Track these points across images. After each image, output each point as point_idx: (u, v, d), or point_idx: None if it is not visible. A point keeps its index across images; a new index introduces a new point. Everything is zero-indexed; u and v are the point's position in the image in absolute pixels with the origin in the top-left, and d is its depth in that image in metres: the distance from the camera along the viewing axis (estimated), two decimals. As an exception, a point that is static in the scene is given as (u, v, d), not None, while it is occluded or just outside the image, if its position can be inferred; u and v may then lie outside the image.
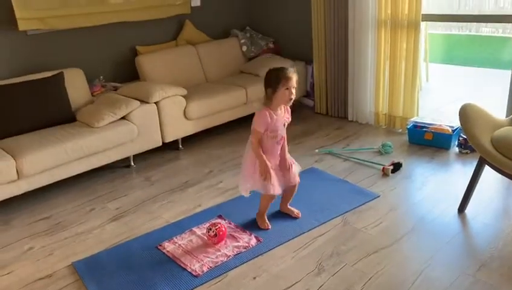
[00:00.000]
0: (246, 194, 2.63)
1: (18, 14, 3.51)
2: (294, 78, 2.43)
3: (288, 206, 2.82)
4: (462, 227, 2.60)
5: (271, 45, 5.01)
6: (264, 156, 2.51)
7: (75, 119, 3.58)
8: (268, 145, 2.53)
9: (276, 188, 2.56)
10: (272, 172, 2.53)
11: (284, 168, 2.62)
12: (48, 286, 2.32)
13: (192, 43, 4.66)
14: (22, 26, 3.57)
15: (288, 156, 2.66)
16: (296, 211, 2.80)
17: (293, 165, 2.67)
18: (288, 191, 2.75)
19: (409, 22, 3.74)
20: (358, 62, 4.15)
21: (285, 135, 2.59)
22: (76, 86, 3.75)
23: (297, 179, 2.69)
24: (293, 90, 2.43)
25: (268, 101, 2.46)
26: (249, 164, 2.58)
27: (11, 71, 3.66)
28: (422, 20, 3.72)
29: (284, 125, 2.55)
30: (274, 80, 2.42)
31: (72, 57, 4.01)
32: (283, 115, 2.53)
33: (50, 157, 3.08)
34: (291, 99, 2.45)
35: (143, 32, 4.45)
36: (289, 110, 2.59)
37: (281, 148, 2.60)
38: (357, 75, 4.20)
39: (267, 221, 2.71)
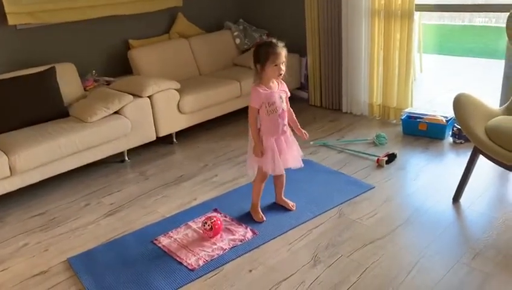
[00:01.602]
0: (252, 174, 2.66)
1: (7, 8, 3.47)
2: (283, 54, 2.39)
3: (283, 198, 2.81)
4: (456, 217, 2.61)
5: (264, 37, 4.97)
6: (259, 136, 2.51)
7: (68, 114, 3.55)
8: (271, 122, 2.49)
9: (276, 168, 2.54)
10: (273, 152, 2.51)
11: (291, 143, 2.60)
12: (43, 282, 2.32)
13: (184, 36, 4.63)
14: (11, 20, 3.53)
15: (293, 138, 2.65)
16: (291, 203, 2.80)
17: (297, 149, 2.65)
18: (277, 181, 2.75)
19: (402, 12, 3.73)
20: (352, 53, 4.14)
21: (286, 109, 2.54)
22: (68, 80, 3.71)
23: (300, 163, 2.65)
24: (282, 66, 2.40)
25: (258, 77, 2.45)
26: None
27: (1, 66, 3.62)
28: (415, 10, 3.71)
29: (281, 97, 2.51)
30: (263, 56, 2.38)
31: (63, 52, 3.97)
32: (277, 88, 2.50)
33: (43, 153, 3.06)
34: (280, 74, 2.43)
35: (135, 25, 4.41)
36: (284, 83, 2.55)
37: (289, 121, 2.58)
38: (351, 66, 4.19)
39: (261, 213, 2.71)
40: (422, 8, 3.92)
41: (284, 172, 2.70)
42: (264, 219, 2.69)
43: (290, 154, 2.61)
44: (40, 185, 3.26)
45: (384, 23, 3.89)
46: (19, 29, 3.70)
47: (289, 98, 2.62)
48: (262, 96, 2.44)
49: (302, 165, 2.67)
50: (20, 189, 3.08)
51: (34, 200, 3.18)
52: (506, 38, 2.83)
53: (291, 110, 2.64)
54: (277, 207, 2.81)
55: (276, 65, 2.38)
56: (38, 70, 3.53)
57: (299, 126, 2.69)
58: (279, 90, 2.51)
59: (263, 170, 2.58)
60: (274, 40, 2.43)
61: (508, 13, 2.77)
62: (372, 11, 3.93)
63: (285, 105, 2.54)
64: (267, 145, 2.52)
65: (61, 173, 3.27)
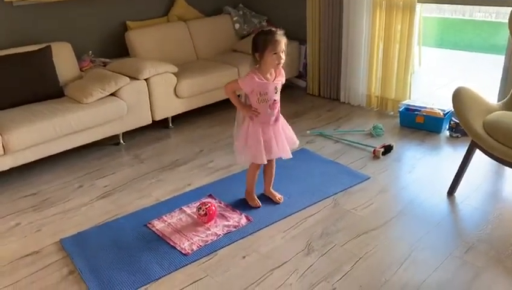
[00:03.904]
0: (241, 163, 2.59)
1: (3, -16, 3.40)
2: (283, 42, 2.30)
3: (271, 190, 2.76)
4: (451, 210, 2.61)
5: (264, 24, 4.92)
6: (238, 99, 2.47)
7: (63, 94, 3.50)
8: (261, 110, 2.43)
9: (258, 157, 2.49)
10: (257, 141, 2.46)
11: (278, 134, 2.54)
12: (35, 262, 2.30)
13: (183, 19, 4.56)
14: (7, -4, 3.46)
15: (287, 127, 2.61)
16: (278, 195, 2.74)
17: (287, 140, 2.59)
18: (266, 172, 2.70)
19: (404, 4, 3.70)
20: (352, 43, 4.11)
21: (278, 99, 2.48)
22: (64, 60, 3.65)
23: (289, 154, 2.59)
24: (282, 55, 2.32)
25: (256, 65, 2.38)
26: (240, 136, 2.52)
27: (-4, 43, 3.56)
28: (418, 2, 3.68)
29: (276, 88, 2.43)
30: (261, 44, 2.30)
31: (60, 31, 3.91)
32: (273, 79, 2.42)
33: (37, 133, 3.02)
34: (280, 63, 2.35)
35: (134, 7, 4.34)
36: (282, 71, 2.47)
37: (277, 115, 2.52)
38: (351, 56, 4.16)
39: (256, 199, 2.70)
40: (424, -1, 3.89)
41: (274, 165, 2.67)
42: (260, 204, 2.68)
43: (277, 145, 2.53)
44: (32, 166, 3.23)
45: (386, 15, 3.86)
46: (16, 6, 3.63)
47: (287, 86, 2.55)
48: (255, 85, 2.37)
49: (291, 156, 2.60)
50: (12, 169, 3.05)
51: (26, 180, 3.15)
52: (509, 33, 2.82)
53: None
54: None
55: (275, 53, 2.30)
56: (34, 48, 3.47)
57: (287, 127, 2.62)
58: (276, 81, 2.43)
59: (255, 162, 2.54)
60: (273, 28, 2.36)
61: (511, 8, 2.75)
62: (374, 2, 3.89)
63: (278, 96, 2.47)
64: (252, 132, 2.47)
65: (55, 154, 3.24)
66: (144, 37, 4.16)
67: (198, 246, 2.35)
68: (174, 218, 2.61)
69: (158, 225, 2.54)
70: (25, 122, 3.00)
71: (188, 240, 2.39)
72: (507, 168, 2.92)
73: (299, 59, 4.78)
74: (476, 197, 2.71)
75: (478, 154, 2.63)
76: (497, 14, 7.65)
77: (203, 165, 3.27)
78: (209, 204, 2.54)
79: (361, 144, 3.45)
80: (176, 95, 3.84)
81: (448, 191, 2.75)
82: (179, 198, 2.83)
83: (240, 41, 4.76)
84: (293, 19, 4.72)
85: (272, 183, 2.76)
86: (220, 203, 2.74)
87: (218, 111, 4.25)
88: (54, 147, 3.19)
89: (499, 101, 3.23)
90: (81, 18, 4.04)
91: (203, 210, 2.51)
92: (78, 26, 4.04)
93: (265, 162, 2.54)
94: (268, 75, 2.40)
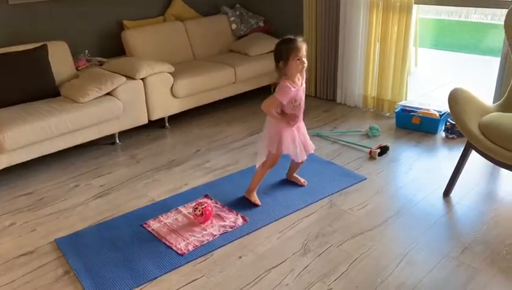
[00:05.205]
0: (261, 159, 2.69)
1: (-1, -18, 3.39)
2: (304, 47, 2.45)
3: (295, 175, 2.92)
4: (446, 211, 2.62)
5: (261, 24, 4.92)
6: (280, 116, 2.57)
7: (59, 94, 3.49)
8: (297, 115, 2.60)
9: (299, 154, 2.64)
10: (294, 139, 2.61)
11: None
12: (30, 262, 2.29)
13: (180, 19, 4.56)
14: (3, -5, 3.44)
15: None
16: (302, 179, 2.91)
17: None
18: (295, 163, 2.85)
19: (401, 4, 3.71)
20: (349, 44, 4.12)
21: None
22: (60, 59, 3.64)
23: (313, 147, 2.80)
24: (304, 60, 2.45)
25: (282, 73, 2.48)
26: (272, 142, 2.61)
27: (-8, 42, 3.54)
28: (414, 3, 3.68)
29: (303, 91, 2.59)
30: (285, 52, 2.43)
31: (56, 29, 3.89)
32: (301, 84, 2.55)
33: (33, 132, 3.01)
34: (303, 68, 2.47)
35: (130, 6, 4.33)
36: (304, 75, 2.59)
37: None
38: (347, 57, 4.17)
39: (257, 198, 2.72)
40: (421, 0, 3.89)
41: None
42: (260, 203, 2.70)
43: (305, 140, 2.72)
44: (28, 165, 3.21)
45: (383, 15, 3.86)
46: (11, 4, 3.61)
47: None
48: (293, 94, 2.49)
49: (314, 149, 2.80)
50: (7, 168, 3.03)
51: (21, 180, 3.14)
52: (504, 35, 2.83)
53: None
54: (270, 194, 2.80)
55: (298, 59, 2.42)
56: (30, 47, 3.45)
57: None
58: (303, 86, 2.57)
59: (284, 152, 2.61)
60: (292, 36, 2.47)
61: (507, 10, 2.76)
62: (371, 2, 3.90)
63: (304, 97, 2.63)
64: (287, 136, 2.58)
65: (50, 153, 3.22)
66: (140, 36, 4.15)
67: (194, 246, 2.34)
68: (170, 218, 2.60)
69: (154, 225, 2.54)
70: (20, 122, 2.99)
71: (184, 240, 2.39)
72: (502, 169, 2.93)
73: (295, 59, 4.78)
74: (472, 198, 2.72)
75: (474, 155, 2.64)
76: (493, 16, 7.69)
77: (200, 165, 3.26)
78: (206, 204, 2.54)
79: (357, 145, 3.46)
80: (173, 95, 3.83)
81: (444, 192, 2.76)
82: (175, 198, 2.83)
83: (236, 41, 4.75)
84: (290, 19, 4.72)
85: (297, 170, 2.91)
86: (216, 203, 2.74)
87: (214, 111, 4.25)
88: (50, 146, 3.18)
89: (494, 102, 3.25)
90: (77, 17, 4.03)
91: (199, 210, 2.50)
92: (74, 25, 4.02)
93: (305, 158, 2.71)
94: (296, 80, 2.52)
